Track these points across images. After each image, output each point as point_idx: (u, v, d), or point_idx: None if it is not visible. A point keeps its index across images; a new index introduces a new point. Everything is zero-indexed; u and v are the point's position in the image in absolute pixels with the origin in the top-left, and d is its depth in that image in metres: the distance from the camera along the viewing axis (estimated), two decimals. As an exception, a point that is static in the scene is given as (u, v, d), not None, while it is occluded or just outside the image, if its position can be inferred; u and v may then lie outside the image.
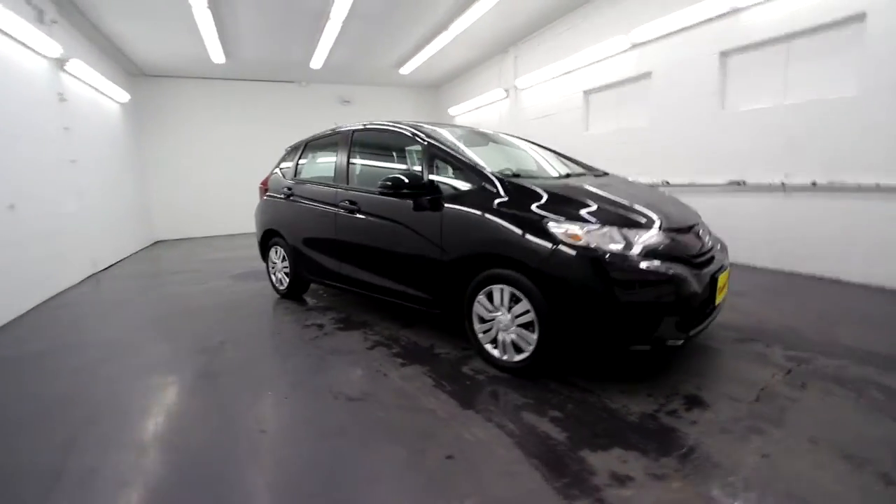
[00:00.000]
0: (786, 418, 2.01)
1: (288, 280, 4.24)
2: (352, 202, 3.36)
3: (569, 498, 1.55)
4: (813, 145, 4.19)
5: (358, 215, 3.29)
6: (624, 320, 2.14)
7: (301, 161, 4.21)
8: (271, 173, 4.57)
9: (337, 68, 9.39)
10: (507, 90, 8.78)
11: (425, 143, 2.96)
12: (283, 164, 4.43)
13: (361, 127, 3.58)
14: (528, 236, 2.30)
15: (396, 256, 3.04)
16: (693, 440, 1.87)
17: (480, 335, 2.62)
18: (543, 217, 2.30)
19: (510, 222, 2.39)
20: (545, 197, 2.41)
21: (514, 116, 8.68)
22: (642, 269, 2.13)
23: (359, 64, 9.25)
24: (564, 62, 7.06)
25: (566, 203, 2.37)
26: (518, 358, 2.45)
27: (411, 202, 2.86)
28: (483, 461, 1.78)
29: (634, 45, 5.90)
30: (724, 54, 4.92)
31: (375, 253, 3.22)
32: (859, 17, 3.79)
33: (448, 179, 2.80)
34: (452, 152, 2.82)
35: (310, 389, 2.47)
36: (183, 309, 4.22)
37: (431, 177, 2.83)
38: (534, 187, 2.48)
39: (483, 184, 2.59)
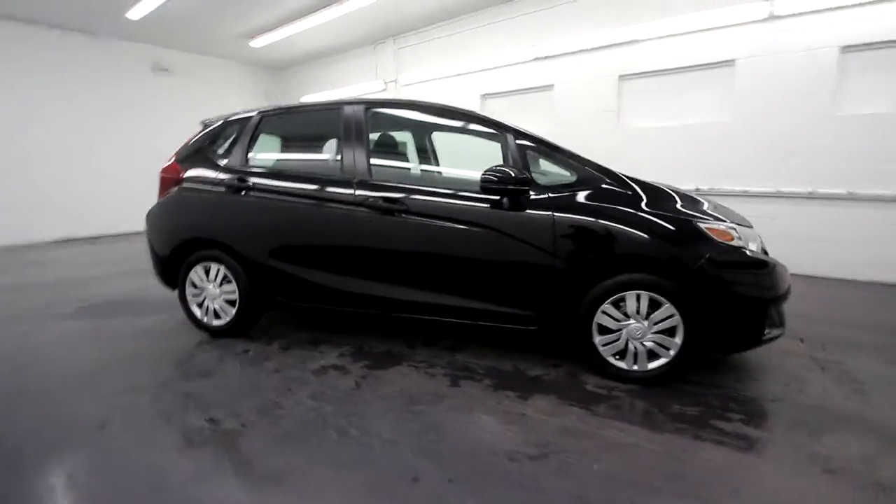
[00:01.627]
0: (863, 378, 2.45)
1: (235, 310, 3.00)
2: (388, 200, 2.59)
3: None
4: (696, 158, 5.29)
5: (405, 217, 2.56)
6: (767, 314, 2.26)
7: (257, 141, 3.03)
8: (184, 157, 3.15)
9: (161, 24, 7.17)
10: (386, 83, 8.29)
11: (513, 136, 2.54)
12: (216, 146, 3.10)
13: (390, 103, 2.82)
14: (680, 237, 2.20)
15: (478, 266, 2.49)
16: (850, 412, 2.10)
17: (602, 348, 2.38)
18: (693, 216, 2.23)
19: (654, 223, 2.23)
20: (676, 196, 2.35)
21: (395, 112, 8.26)
22: (775, 264, 2.29)
23: (197, 24, 7.28)
24: (459, 63, 7.08)
25: (693, 203, 2.35)
26: (653, 365, 2.32)
27: (501, 202, 2.40)
28: (770, 489, 1.62)
29: (538, 58, 6.34)
30: (622, 77, 5.74)
31: (439, 264, 2.56)
32: (730, 62, 4.95)
33: (551, 177, 2.45)
34: (558, 148, 2.51)
35: (461, 458, 1.80)
36: (57, 375, 2.53)
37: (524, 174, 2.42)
38: (661, 186, 2.40)
39: (605, 182, 2.37)
